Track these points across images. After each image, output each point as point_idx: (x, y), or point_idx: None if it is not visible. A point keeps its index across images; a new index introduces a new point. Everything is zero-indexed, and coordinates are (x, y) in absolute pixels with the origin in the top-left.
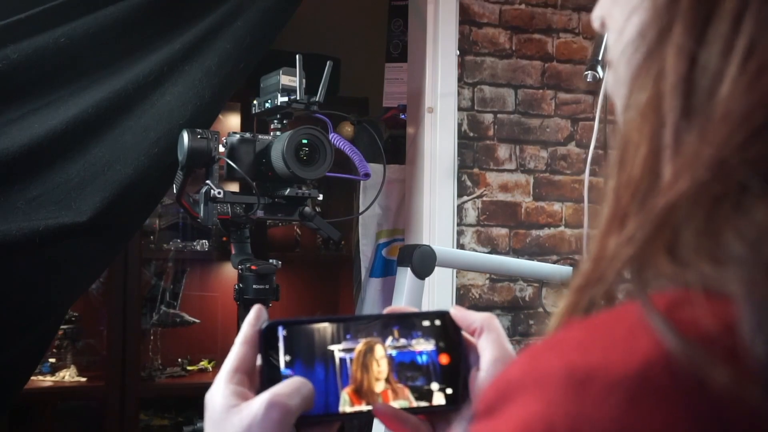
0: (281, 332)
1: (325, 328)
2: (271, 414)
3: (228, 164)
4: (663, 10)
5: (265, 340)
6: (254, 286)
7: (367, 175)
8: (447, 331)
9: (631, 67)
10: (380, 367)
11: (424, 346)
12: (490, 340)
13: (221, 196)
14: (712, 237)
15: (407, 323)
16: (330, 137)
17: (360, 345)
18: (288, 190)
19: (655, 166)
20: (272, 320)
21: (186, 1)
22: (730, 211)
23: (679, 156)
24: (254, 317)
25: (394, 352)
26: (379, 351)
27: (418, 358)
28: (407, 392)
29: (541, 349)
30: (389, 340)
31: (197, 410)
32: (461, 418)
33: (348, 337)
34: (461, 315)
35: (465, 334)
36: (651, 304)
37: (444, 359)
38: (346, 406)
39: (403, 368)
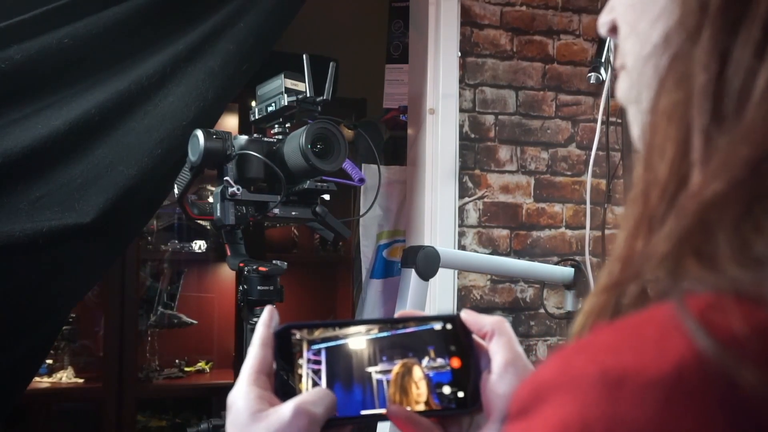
0: (294, 335)
1: (337, 330)
2: (298, 422)
3: (239, 165)
4: (690, 15)
5: (278, 343)
6: (259, 288)
7: (361, 180)
8: (458, 335)
9: (658, 71)
10: (419, 389)
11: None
12: (501, 344)
13: (240, 193)
14: (744, 240)
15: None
16: None
17: (392, 360)
18: (307, 183)
19: (682, 169)
20: (285, 324)
21: (189, 2)
22: (762, 213)
23: (712, 158)
24: (267, 318)
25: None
26: (418, 373)
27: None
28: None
29: (572, 351)
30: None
31: (195, 411)
32: (472, 422)
33: (377, 353)
34: (472, 318)
35: (476, 337)
36: (685, 306)
37: (455, 363)
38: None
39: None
